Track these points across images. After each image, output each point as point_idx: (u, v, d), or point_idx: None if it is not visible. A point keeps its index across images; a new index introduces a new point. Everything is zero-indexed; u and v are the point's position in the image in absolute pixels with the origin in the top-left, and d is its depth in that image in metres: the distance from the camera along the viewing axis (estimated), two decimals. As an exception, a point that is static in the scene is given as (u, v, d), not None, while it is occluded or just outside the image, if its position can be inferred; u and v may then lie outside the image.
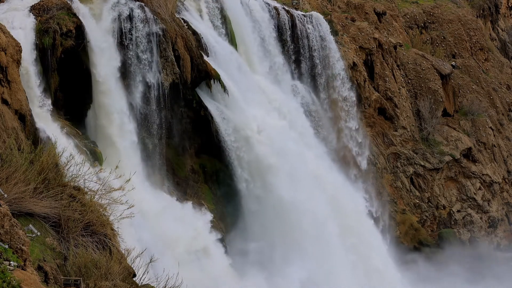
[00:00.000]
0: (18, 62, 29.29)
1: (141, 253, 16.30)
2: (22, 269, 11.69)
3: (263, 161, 38.62)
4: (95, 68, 34.30)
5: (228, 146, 39.51)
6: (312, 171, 40.58)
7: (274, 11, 49.43)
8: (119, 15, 36.25)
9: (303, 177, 39.45)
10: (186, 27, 40.35)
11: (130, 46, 36.35)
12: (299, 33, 50.04)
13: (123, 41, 36.17)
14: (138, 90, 36.31)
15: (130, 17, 36.55)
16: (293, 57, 49.77)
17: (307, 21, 51.09)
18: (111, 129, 34.52)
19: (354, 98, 51.51)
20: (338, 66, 50.73)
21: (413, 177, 56.27)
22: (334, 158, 47.67)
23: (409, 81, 59.27)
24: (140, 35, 36.66)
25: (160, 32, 37.26)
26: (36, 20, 34.01)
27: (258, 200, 38.62)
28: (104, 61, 34.68)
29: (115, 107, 34.60)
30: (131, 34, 36.45)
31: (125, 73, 36.06)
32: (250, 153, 38.54)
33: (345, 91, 50.48)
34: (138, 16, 36.73)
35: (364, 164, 51.02)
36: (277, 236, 37.93)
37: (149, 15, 37.10)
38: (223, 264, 34.82)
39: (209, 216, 35.95)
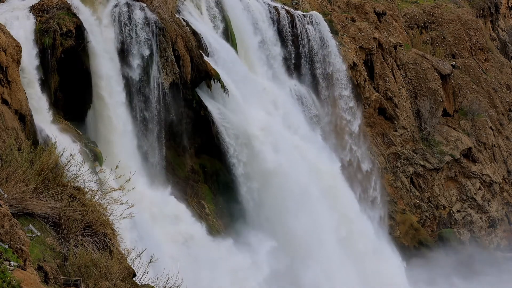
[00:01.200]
0: (18, 62, 29.29)
1: (141, 253, 16.30)
2: (22, 269, 11.70)
3: (250, 134, 40.72)
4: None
5: (227, 146, 39.81)
6: (293, 143, 43.37)
7: (274, 11, 49.58)
8: (119, 14, 36.29)
9: (286, 148, 42.02)
10: (186, 27, 40.36)
11: (130, 45, 36.37)
12: (299, 32, 50.34)
13: (122, 38, 36.18)
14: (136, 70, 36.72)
15: (130, 17, 36.57)
16: (293, 55, 50.08)
17: (307, 21, 51.33)
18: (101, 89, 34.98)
19: (345, 68, 52.26)
20: (331, 43, 52.22)
21: (413, 177, 56.28)
22: (331, 130, 50.44)
23: (409, 81, 59.28)
24: (139, 34, 36.66)
25: (160, 32, 37.30)
26: (36, 20, 33.98)
27: (245, 166, 40.74)
28: (110, 88, 35.08)
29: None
30: (131, 34, 36.45)
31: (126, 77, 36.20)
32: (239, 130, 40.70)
33: (338, 64, 51.65)
34: (138, 16, 36.77)
35: (356, 128, 52.51)
36: (264, 198, 40.47)
37: (149, 15, 37.11)
38: (195, 226, 36.23)
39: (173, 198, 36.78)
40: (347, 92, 52.62)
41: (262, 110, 42.88)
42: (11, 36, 29.47)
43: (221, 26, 44.70)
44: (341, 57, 52.40)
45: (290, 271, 38.96)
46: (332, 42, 52.34)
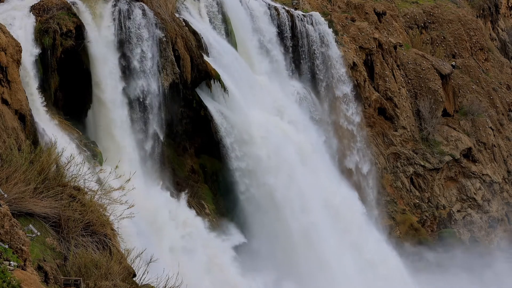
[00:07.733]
0: (18, 62, 29.28)
1: (141, 253, 16.30)
2: (22, 269, 11.71)
3: (251, 134, 41.35)
4: None
5: (227, 146, 39.88)
6: (294, 143, 44.29)
7: (274, 11, 49.60)
8: (119, 14, 36.28)
9: (286, 148, 42.94)
10: (186, 27, 40.36)
11: (130, 45, 36.36)
12: (298, 32, 50.41)
13: (122, 38, 36.18)
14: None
15: (129, 17, 36.56)
16: (293, 55, 50.18)
17: (307, 21, 51.39)
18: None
19: (345, 68, 52.49)
20: (331, 43, 52.59)
21: (413, 177, 56.27)
22: (331, 129, 51.18)
23: (409, 81, 59.28)
24: (139, 34, 36.66)
25: (160, 32, 37.29)
26: (36, 20, 33.99)
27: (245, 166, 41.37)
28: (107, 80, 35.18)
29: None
30: (131, 34, 36.45)
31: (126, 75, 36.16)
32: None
33: (338, 64, 52.23)
34: (138, 16, 36.76)
35: (356, 128, 53.08)
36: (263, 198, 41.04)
37: (149, 15, 37.11)
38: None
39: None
40: (347, 92, 52.70)
41: (262, 110, 42.96)
42: (11, 36, 29.47)
43: (221, 26, 44.72)
44: (341, 57, 52.47)
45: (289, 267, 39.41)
46: (332, 42, 52.42)
